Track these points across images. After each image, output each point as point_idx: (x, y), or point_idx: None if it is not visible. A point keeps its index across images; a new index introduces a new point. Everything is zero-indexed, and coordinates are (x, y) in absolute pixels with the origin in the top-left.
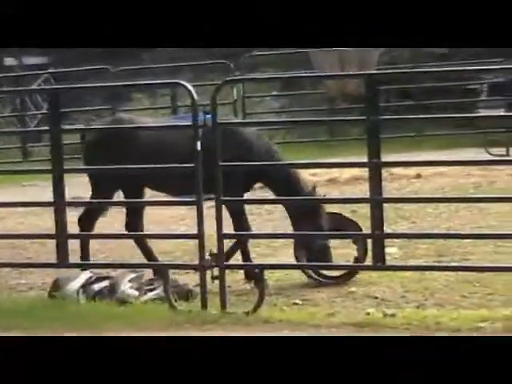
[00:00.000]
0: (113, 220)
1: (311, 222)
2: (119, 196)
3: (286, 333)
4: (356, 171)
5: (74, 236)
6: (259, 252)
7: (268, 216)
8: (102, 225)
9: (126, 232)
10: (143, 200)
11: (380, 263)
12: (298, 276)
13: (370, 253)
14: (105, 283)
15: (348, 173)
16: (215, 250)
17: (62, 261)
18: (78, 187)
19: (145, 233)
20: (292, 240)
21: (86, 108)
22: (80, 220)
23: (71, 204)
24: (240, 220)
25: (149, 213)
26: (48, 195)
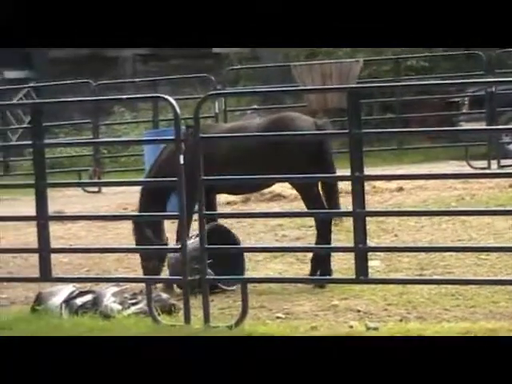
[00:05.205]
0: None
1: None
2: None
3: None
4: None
5: (57, 250)
6: None
7: None
8: (83, 240)
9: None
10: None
11: (363, 276)
12: (280, 290)
13: (352, 266)
14: (88, 297)
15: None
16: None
17: (45, 275)
18: (59, 201)
19: (118, 247)
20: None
21: (68, 122)
22: None
23: (54, 218)
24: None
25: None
26: (29, 210)
